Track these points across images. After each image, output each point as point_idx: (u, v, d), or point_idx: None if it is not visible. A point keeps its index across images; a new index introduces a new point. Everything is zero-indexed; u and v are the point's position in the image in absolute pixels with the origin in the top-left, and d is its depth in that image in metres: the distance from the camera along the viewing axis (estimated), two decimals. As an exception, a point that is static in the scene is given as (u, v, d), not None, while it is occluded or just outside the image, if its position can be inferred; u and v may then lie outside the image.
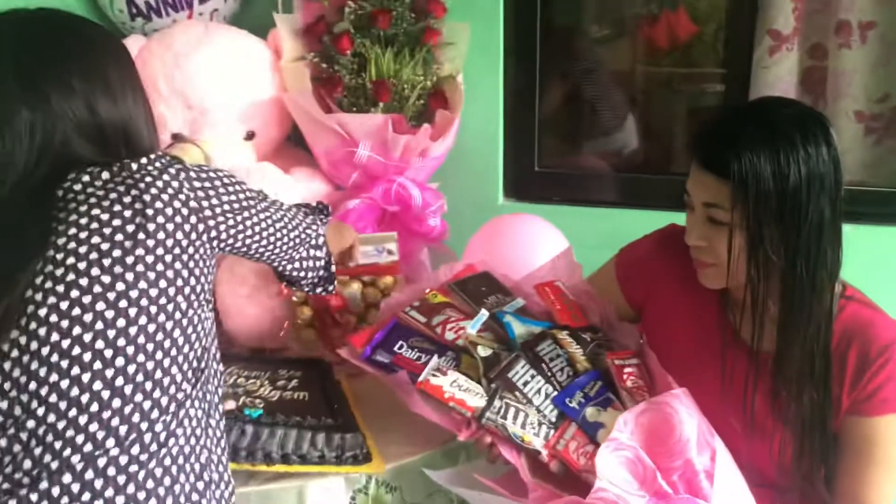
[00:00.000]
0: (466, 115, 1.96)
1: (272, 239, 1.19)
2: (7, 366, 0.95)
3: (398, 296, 1.55)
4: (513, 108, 2.18)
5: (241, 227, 1.11)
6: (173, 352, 1.01)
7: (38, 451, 0.94)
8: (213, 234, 1.06)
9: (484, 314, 1.40)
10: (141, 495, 0.97)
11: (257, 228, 1.15)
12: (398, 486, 1.40)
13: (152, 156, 1.04)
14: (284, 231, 1.21)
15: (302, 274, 1.30)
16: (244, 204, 1.12)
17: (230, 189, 1.10)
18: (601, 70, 2.43)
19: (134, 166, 1.02)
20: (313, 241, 1.29)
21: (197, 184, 1.05)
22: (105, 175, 1.01)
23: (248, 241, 1.14)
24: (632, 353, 1.34)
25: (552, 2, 2.19)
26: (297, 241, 1.25)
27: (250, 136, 1.94)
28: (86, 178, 1.00)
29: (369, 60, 1.88)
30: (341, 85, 1.88)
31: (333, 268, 1.35)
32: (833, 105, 2.02)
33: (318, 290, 1.37)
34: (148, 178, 1.00)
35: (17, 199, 0.99)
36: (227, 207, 1.08)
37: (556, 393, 1.26)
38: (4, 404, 0.95)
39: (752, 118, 1.19)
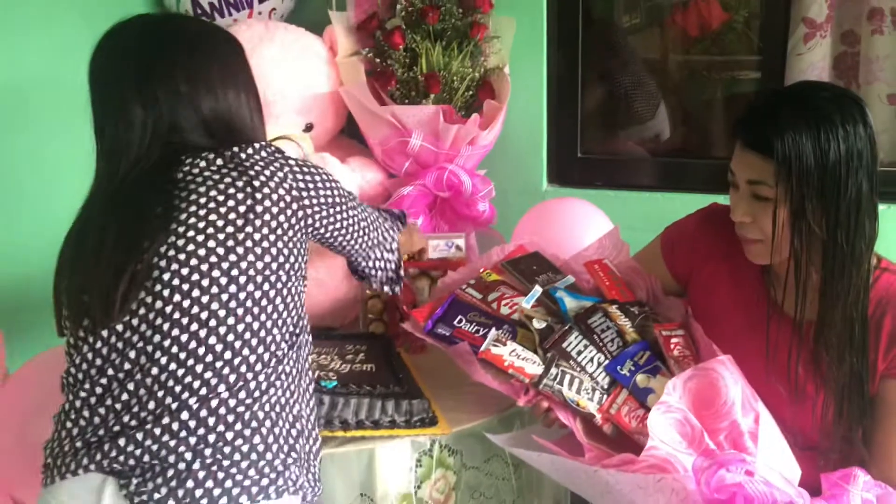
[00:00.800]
0: (512, 104, 2.05)
1: (356, 236, 1.35)
2: (135, 322, 1.11)
3: (454, 275, 1.64)
4: (556, 97, 2.26)
5: (332, 220, 1.27)
6: (274, 315, 1.16)
7: (160, 393, 1.10)
8: (309, 221, 1.22)
9: (538, 290, 1.49)
10: (247, 432, 1.12)
11: (345, 223, 1.31)
12: (459, 449, 1.51)
13: (257, 145, 1.20)
14: (367, 231, 1.38)
15: (374, 272, 1.48)
16: (337, 200, 1.28)
17: (328, 185, 1.26)
18: (640, 58, 2.50)
19: (243, 155, 1.17)
20: (388, 245, 1.47)
21: (300, 176, 1.21)
22: (219, 161, 1.16)
23: (335, 234, 1.31)
24: (678, 324, 1.42)
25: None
26: (376, 241, 1.42)
27: (309, 127, 2.05)
28: (202, 163, 1.16)
29: (420, 55, 1.98)
30: (394, 78, 1.99)
31: (402, 271, 1.53)
32: (865, 89, 2.08)
33: (385, 288, 1.53)
34: (258, 167, 1.15)
35: (135, 178, 1.15)
36: (323, 201, 1.24)
37: (607, 361, 1.35)
38: (132, 354, 1.11)
39: (792, 100, 1.25)
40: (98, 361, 1.14)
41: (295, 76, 2.00)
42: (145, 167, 1.15)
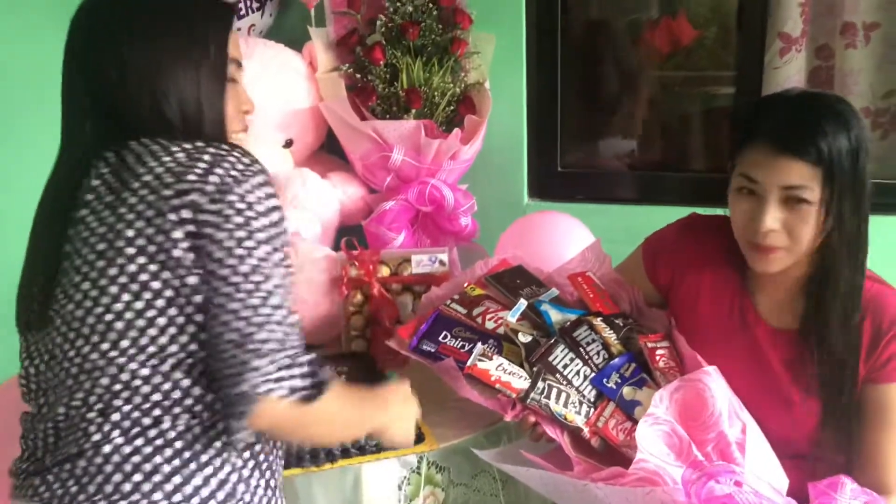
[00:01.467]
0: (493, 119, 2.07)
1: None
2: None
3: (437, 290, 1.63)
4: (536, 111, 2.28)
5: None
6: None
7: None
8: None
9: (523, 303, 1.48)
10: None
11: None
12: (446, 466, 1.50)
13: None
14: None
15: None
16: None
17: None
18: (618, 73, 2.53)
19: None
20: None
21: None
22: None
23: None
24: (662, 335, 1.42)
25: (571, 10, 2.29)
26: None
27: (288, 143, 2.05)
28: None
29: (401, 70, 1.99)
30: (375, 94, 1.99)
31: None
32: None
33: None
34: None
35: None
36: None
37: (593, 374, 1.35)
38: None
39: (819, 105, 1.25)
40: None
41: (275, 92, 2.00)
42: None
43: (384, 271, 1.84)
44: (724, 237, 1.38)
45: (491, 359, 1.36)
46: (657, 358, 1.36)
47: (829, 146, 1.19)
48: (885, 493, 1.26)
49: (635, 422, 1.27)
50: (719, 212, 1.39)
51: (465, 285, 1.58)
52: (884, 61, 2.10)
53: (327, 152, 2.22)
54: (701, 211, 1.52)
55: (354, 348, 1.85)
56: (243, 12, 2.08)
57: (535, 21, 2.22)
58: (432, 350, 1.45)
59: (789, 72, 2.13)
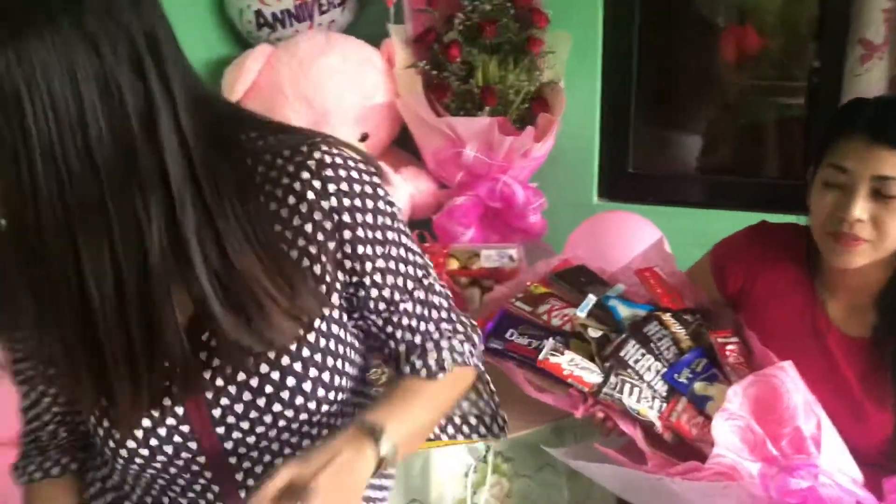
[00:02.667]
0: (565, 118, 2.07)
1: None
2: None
3: (501, 289, 1.65)
4: (609, 111, 2.27)
5: None
6: None
7: None
8: None
9: (591, 298, 1.48)
10: None
11: None
12: (513, 457, 1.52)
13: None
14: None
15: None
16: None
17: None
18: (693, 76, 2.52)
19: None
20: None
21: None
22: None
23: None
24: (732, 331, 1.41)
25: (648, 10, 2.29)
26: None
27: (364, 137, 2.09)
28: None
29: (477, 68, 2.01)
30: (450, 90, 2.02)
31: None
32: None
33: None
34: None
35: None
36: None
37: (665, 369, 1.35)
38: None
39: None
40: None
41: (353, 86, 2.04)
42: None
43: (454, 264, 1.87)
44: (795, 244, 1.38)
45: (562, 353, 1.37)
46: (728, 353, 1.36)
47: None
48: None
49: (707, 417, 1.27)
50: (789, 219, 1.38)
51: (529, 284, 1.59)
52: (970, 70, 2.05)
53: (399, 147, 2.25)
54: (771, 218, 1.51)
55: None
56: (325, 8, 2.13)
57: (611, 21, 2.22)
58: (500, 347, 1.45)
59: (871, 79, 2.08)
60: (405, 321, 0.94)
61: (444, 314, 0.98)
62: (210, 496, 0.92)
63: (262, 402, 0.85)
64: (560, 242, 2.04)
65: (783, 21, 2.38)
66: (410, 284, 0.93)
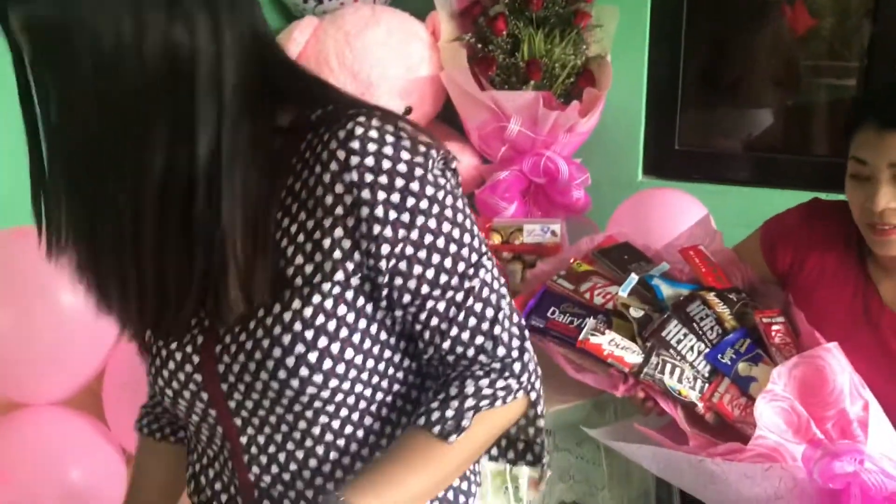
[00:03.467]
0: (611, 94, 2.05)
1: None
2: None
3: (543, 266, 1.64)
4: (656, 87, 2.25)
5: None
6: None
7: None
8: None
9: (634, 278, 1.47)
10: None
11: None
12: (553, 430, 1.52)
13: None
14: None
15: None
16: None
17: None
18: (743, 52, 2.47)
19: None
20: None
21: None
22: None
23: None
24: (778, 311, 1.39)
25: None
26: None
27: (408, 111, 2.09)
28: None
29: (522, 41, 2.00)
30: (495, 64, 2.01)
31: None
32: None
33: None
34: None
35: None
36: None
37: (707, 350, 1.34)
38: None
39: None
40: None
41: (398, 59, 2.04)
42: None
43: (496, 239, 1.87)
44: (847, 224, 1.36)
45: (603, 333, 1.36)
46: (773, 334, 1.34)
47: None
48: None
49: (751, 398, 1.26)
50: (840, 198, 1.36)
51: (572, 261, 1.58)
52: None
53: (443, 122, 2.25)
54: (821, 196, 1.48)
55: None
56: (371, -18, 2.13)
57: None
58: (541, 325, 1.45)
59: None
60: (434, 322, 0.83)
61: (484, 328, 0.83)
62: (226, 454, 0.92)
63: (252, 366, 0.83)
64: (604, 219, 2.03)
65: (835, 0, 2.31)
66: (444, 278, 0.82)
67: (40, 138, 0.78)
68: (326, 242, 0.80)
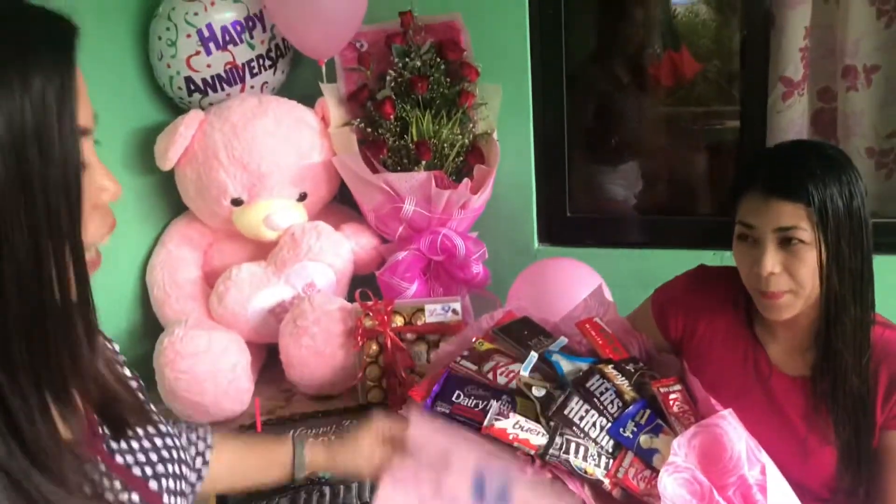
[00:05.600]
0: (502, 167, 2.09)
1: None
2: None
3: (446, 346, 1.64)
4: (544, 158, 2.31)
5: None
6: None
7: None
8: None
9: (534, 356, 1.49)
10: None
11: None
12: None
13: None
14: None
15: None
16: None
17: None
18: (624, 116, 2.58)
19: None
20: None
21: None
22: None
23: None
24: (675, 379, 1.43)
25: (574, 56, 2.33)
26: None
27: (302, 197, 2.08)
28: None
29: (410, 123, 2.02)
30: (386, 147, 2.03)
31: None
32: (844, 143, 2.15)
33: None
34: None
35: None
36: None
37: (609, 424, 1.35)
38: None
39: (807, 151, 1.29)
40: None
41: (288, 147, 2.04)
42: None
43: (398, 321, 1.86)
44: (733, 287, 1.41)
45: (507, 417, 1.37)
46: (671, 403, 1.37)
47: (817, 186, 1.22)
48: None
49: (654, 470, 1.28)
50: (727, 255, 1.41)
51: (474, 340, 1.59)
52: (885, 103, 2.13)
53: (339, 203, 2.25)
54: (709, 254, 1.54)
55: (371, 399, 1.86)
56: (256, 70, 2.13)
57: (540, 70, 2.26)
58: (447, 411, 1.44)
59: (793, 115, 2.16)
60: None
61: None
62: None
63: None
64: (506, 290, 2.06)
65: (710, 61, 2.44)
66: None
67: None
68: None
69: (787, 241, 1.26)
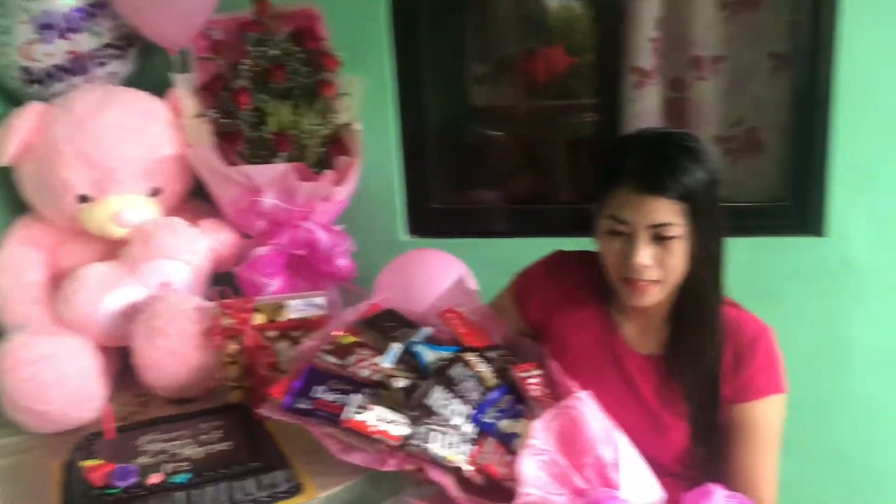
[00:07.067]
0: (365, 159, 2.07)
1: None
2: None
3: (309, 342, 1.59)
4: (408, 149, 2.29)
5: None
6: None
7: None
8: None
9: (396, 347, 1.47)
10: None
11: None
12: (330, 514, 1.47)
13: None
14: None
15: None
16: None
17: None
18: (488, 107, 2.59)
19: None
20: None
21: None
22: None
23: None
24: (535, 364, 1.44)
25: (436, 46, 2.33)
26: None
27: (155, 192, 1.99)
28: None
29: (268, 114, 1.97)
30: (242, 138, 1.96)
31: None
32: (695, 131, 2.23)
33: None
34: None
35: None
36: None
37: (471, 411, 1.35)
38: None
39: (675, 144, 1.30)
40: None
41: (138, 140, 1.93)
42: None
43: (259, 319, 1.80)
44: (589, 271, 1.44)
45: (369, 409, 1.35)
46: (531, 387, 1.38)
47: (689, 181, 1.25)
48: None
49: (515, 454, 1.27)
50: (588, 243, 1.43)
51: (337, 334, 1.55)
52: (731, 92, 2.23)
53: (197, 199, 2.17)
54: (571, 241, 1.57)
55: (232, 399, 1.79)
56: (103, 60, 2.01)
57: (402, 60, 2.24)
58: (309, 408, 1.41)
59: (646, 105, 2.22)
60: None
61: None
62: None
63: None
64: (374, 282, 2.02)
65: (569, 51, 2.48)
66: None
67: None
68: None
69: (659, 235, 1.28)
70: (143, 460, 1.46)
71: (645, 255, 1.29)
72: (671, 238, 1.28)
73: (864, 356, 2.17)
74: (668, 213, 1.27)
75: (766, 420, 1.38)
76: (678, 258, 1.29)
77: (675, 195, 1.26)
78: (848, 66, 2.01)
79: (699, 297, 1.34)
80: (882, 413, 2.20)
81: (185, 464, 1.46)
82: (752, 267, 1.98)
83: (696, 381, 1.37)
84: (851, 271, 2.12)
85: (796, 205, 2.19)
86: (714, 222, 1.30)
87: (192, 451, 1.51)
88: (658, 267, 1.30)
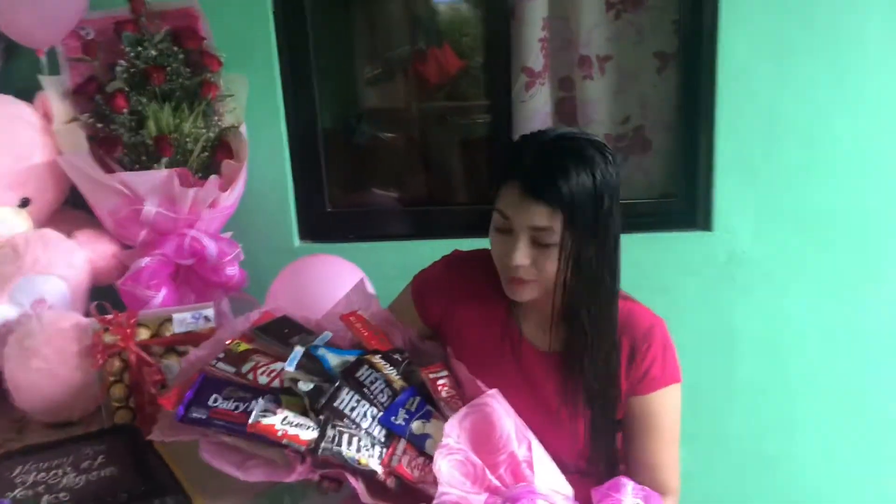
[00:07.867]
0: (254, 163, 2.00)
1: None
2: None
3: (197, 351, 1.51)
4: (299, 152, 2.23)
5: None
6: None
7: None
8: None
9: (299, 350, 1.42)
10: None
11: None
12: (231, 534, 1.39)
13: None
14: None
15: None
16: None
17: None
18: (380, 109, 2.55)
19: None
20: None
21: None
22: None
23: None
24: (441, 365, 1.42)
25: (324, 46, 2.27)
26: None
27: (24, 202, 1.85)
28: None
29: (147, 117, 1.86)
30: (120, 143, 1.85)
31: None
32: (585, 130, 2.26)
33: None
34: None
35: None
36: None
37: (380, 413, 1.31)
38: None
39: (562, 148, 1.28)
40: None
41: (3, 147, 1.80)
42: None
43: (143, 334, 1.69)
44: (487, 270, 1.43)
45: (275, 413, 1.28)
46: (439, 388, 1.35)
47: (571, 190, 1.24)
48: (661, 493, 1.33)
49: (428, 456, 1.24)
50: (483, 243, 1.42)
51: (229, 342, 1.48)
52: (618, 90, 2.27)
53: (72, 208, 2.03)
54: (468, 242, 1.55)
55: (118, 420, 1.67)
56: (-38, 61, 1.87)
57: (288, 58, 2.18)
58: (203, 417, 1.32)
59: (536, 104, 2.24)
60: None
61: None
62: None
63: None
64: (266, 291, 1.94)
65: (459, 53, 2.48)
66: None
67: None
68: None
69: (539, 239, 1.28)
70: (18, 493, 1.35)
71: (521, 254, 1.29)
72: (548, 243, 1.28)
73: (750, 345, 2.25)
74: (547, 218, 1.26)
75: (666, 410, 1.39)
76: (552, 262, 1.29)
77: (555, 203, 1.25)
78: (728, 65, 2.08)
79: (591, 295, 1.34)
80: (768, 400, 2.29)
81: (64, 494, 1.36)
82: (644, 262, 2.02)
83: (593, 377, 1.37)
84: (738, 264, 2.20)
85: (684, 201, 2.25)
86: (596, 234, 1.29)
87: (72, 479, 1.41)
88: (533, 267, 1.30)
